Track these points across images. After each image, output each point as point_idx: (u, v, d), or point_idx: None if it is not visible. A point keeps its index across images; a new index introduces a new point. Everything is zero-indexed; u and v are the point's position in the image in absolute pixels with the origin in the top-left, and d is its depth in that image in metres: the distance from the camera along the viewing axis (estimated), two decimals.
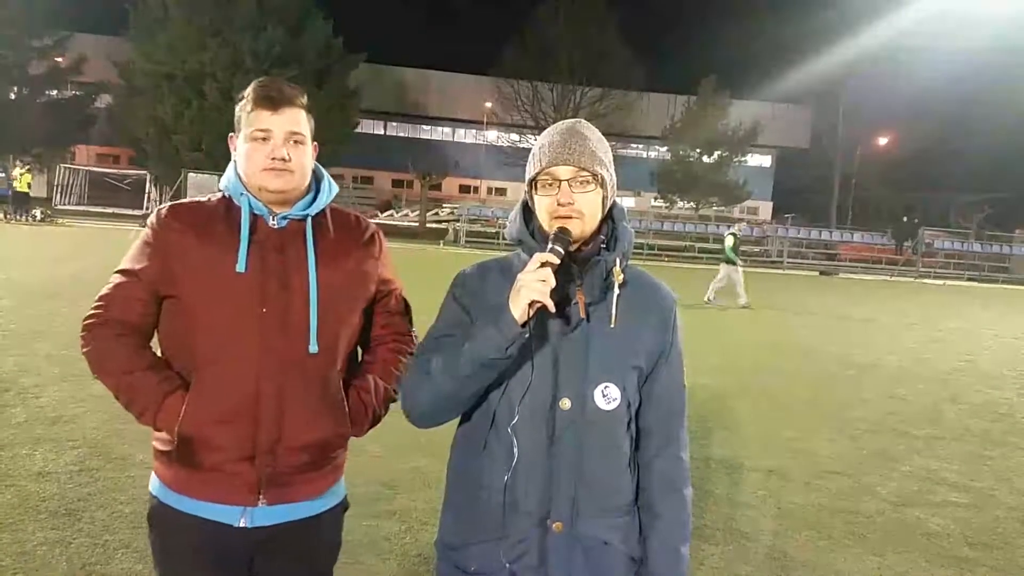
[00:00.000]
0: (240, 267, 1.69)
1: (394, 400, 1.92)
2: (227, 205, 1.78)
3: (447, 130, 57.07)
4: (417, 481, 4.65)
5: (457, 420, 1.73)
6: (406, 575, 3.53)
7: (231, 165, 1.81)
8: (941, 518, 4.75)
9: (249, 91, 1.76)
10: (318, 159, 1.88)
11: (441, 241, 31.82)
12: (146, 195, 33.99)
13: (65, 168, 35.69)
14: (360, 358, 1.97)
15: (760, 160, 55.70)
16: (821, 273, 31.35)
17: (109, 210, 33.03)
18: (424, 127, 56.96)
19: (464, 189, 55.26)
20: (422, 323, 1.77)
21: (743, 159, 47.49)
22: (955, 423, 7.25)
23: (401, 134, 56.24)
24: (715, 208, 47.08)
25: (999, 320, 17.40)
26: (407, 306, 2.03)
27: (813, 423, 6.83)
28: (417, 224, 37.04)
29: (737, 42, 62.05)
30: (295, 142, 1.75)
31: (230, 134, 1.82)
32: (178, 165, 30.91)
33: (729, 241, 16.48)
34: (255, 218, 1.75)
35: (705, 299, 15.85)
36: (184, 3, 32.75)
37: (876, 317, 16.16)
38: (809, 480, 5.26)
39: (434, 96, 54.09)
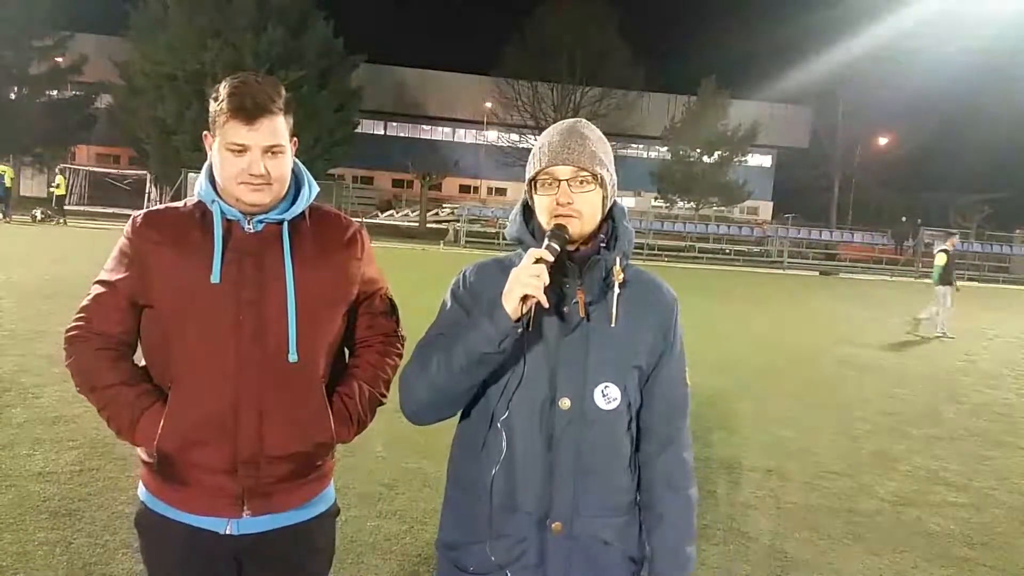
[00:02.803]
0: (215, 278, 1.65)
1: (381, 404, 1.89)
2: (202, 210, 1.72)
3: (447, 130, 57.04)
4: (417, 481, 4.65)
5: (457, 419, 1.74)
6: (407, 575, 3.53)
7: (205, 168, 1.74)
8: (940, 518, 4.76)
9: (223, 94, 1.65)
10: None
11: (441, 241, 31.75)
12: (146, 195, 34.00)
13: (66, 168, 35.69)
14: (346, 360, 1.92)
15: (760, 160, 55.68)
16: (821, 273, 31.34)
17: (110, 210, 33.03)
18: (424, 127, 56.92)
19: (464, 189, 55.24)
20: (423, 323, 1.76)
21: (743, 159, 47.45)
22: (955, 423, 7.26)
23: (401, 134, 56.21)
24: (715, 208, 47.05)
25: (999, 320, 17.40)
26: (393, 305, 1.97)
27: (813, 423, 6.83)
28: (417, 224, 37.01)
29: (737, 42, 62.25)
30: (273, 154, 1.67)
31: (204, 132, 1.74)
32: (178, 165, 30.87)
33: (941, 259, 13.99)
34: (229, 224, 1.70)
35: (939, 333, 13.42)
36: (184, 3, 32.71)
37: (876, 317, 16.15)
38: (809, 480, 5.26)
39: (434, 96, 54.06)
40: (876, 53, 44.62)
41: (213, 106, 1.68)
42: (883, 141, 52.17)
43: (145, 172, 35.15)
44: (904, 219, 39.26)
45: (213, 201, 1.69)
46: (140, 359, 1.79)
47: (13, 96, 35.91)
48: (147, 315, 1.73)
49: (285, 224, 1.73)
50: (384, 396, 1.90)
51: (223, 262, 1.67)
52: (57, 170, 28.55)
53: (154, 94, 33.12)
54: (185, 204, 1.77)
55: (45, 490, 4.07)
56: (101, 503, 3.95)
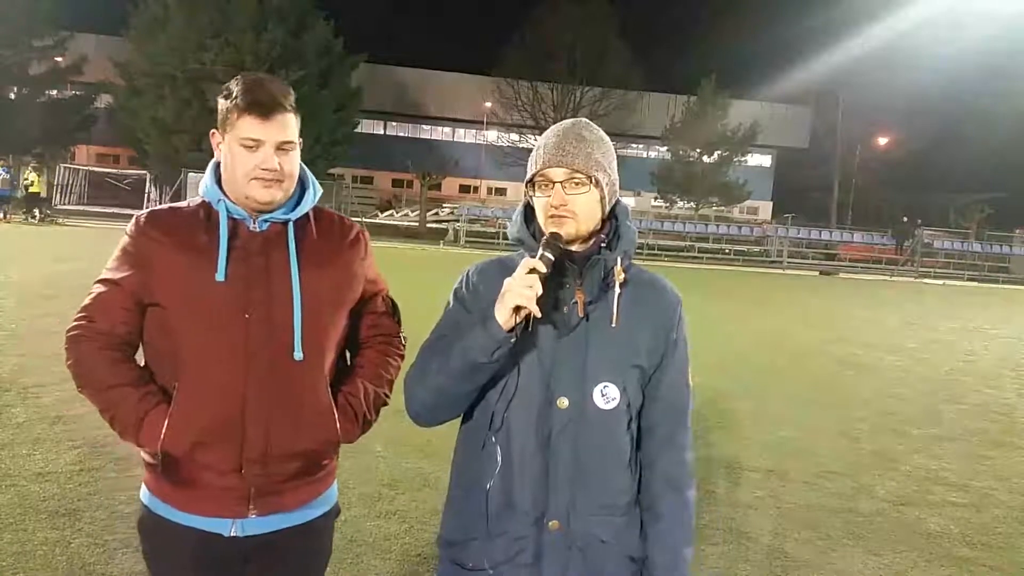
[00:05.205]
0: (219, 276, 1.65)
1: (385, 404, 1.90)
2: (207, 210, 1.73)
3: (447, 130, 57.04)
4: (418, 481, 4.65)
5: (460, 419, 1.74)
6: (406, 575, 3.53)
7: (210, 167, 1.75)
8: (940, 518, 4.76)
9: (236, 90, 1.68)
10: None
11: (441, 241, 31.76)
12: (146, 195, 33.95)
13: (65, 168, 35.64)
14: (348, 362, 1.93)
15: (760, 160, 55.65)
16: (821, 273, 31.31)
17: (109, 210, 32.98)
18: (424, 127, 56.92)
19: (464, 189, 55.22)
20: (423, 324, 1.76)
21: (743, 159, 47.44)
22: (955, 423, 7.25)
23: (401, 134, 56.20)
24: (715, 208, 47.06)
25: (999, 320, 17.39)
26: (395, 306, 1.99)
27: (813, 423, 6.83)
28: (417, 224, 37.00)
29: (737, 42, 62.15)
30: (285, 150, 1.69)
31: (212, 130, 1.75)
32: (178, 165, 30.82)
33: None
34: (235, 223, 1.71)
35: None
36: (184, 3, 32.71)
37: (876, 317, 16.15)
38: (809, 480, 5.26)
39: (434, 96, 54.03)
40: (876, 53, 44.68)
41: (224, 104, 1.69)
42: (883, 141, 52.20)
43: (145, 172, 35.11)
44: (904, 219, 39.21)
45: (219, 200, 1.70)
46: (139, 358, 1.78)
47: (13, 96, 35.85)
48: (152, 314, 1.72)
49: (290, 224, 1.74)
50: (388, 396, 1.90)
51: (229, 261, 1.67)
52: (30, 168, 28.08)
53: (154, 94, 33.11)
54: (189, 204, 1.77)
55: (45, 490, 4.07)
56: (101, 503, 3.95)
